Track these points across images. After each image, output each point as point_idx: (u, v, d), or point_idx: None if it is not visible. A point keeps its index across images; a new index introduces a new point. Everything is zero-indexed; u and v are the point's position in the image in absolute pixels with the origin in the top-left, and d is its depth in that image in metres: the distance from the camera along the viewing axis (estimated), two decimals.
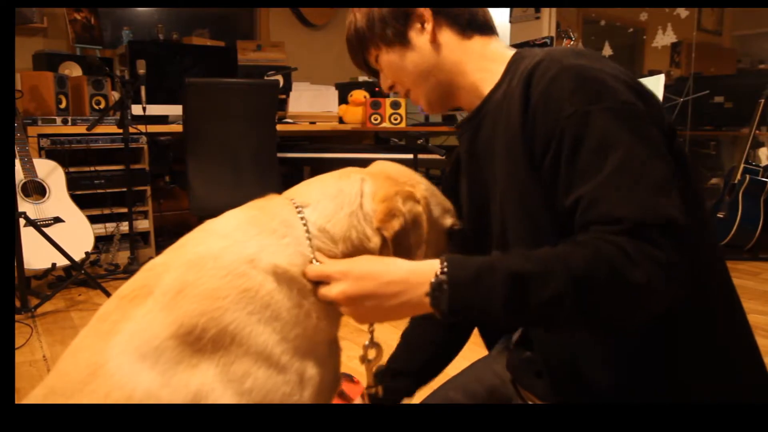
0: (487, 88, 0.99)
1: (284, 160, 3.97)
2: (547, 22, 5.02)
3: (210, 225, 0.84)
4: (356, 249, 0.84)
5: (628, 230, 0.72)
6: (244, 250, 0.77)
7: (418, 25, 0.99)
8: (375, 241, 0.84)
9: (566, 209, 0.80)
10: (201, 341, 0.71)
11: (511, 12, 4.93)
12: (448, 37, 1.00)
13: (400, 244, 0.83)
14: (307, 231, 0.82)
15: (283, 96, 4.48)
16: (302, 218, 0.83)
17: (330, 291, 0.78)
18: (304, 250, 0.81)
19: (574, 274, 0.71)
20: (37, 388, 0.76)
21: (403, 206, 0.84)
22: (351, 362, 0.88)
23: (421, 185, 0.92)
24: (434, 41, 1.00)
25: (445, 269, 0.74)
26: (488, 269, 0.74)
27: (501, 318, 0.74)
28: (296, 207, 0.84)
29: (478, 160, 1.02)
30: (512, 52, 1.00)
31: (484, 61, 1.00)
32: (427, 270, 0.76)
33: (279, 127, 3.81)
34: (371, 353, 0.92)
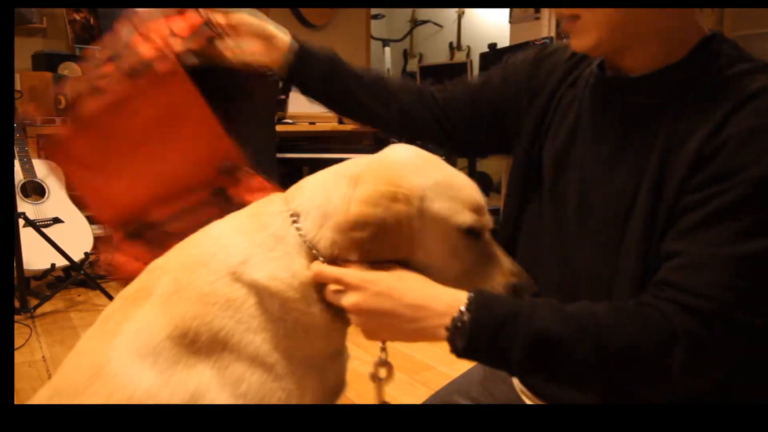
0: (656, 59, 0.82)
1: (284, 161, 3.97)
2: (546, 22, 5.02)
3: (210, 227, 0.82)
4: (346, 262, 0.77)
5: (703, 313, 0.69)
6: (229, 259, 0.75)
7: None
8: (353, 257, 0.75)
9: (660, 253, 0.75)
10: (196, 344, 0.71)
11: (510, 12, 4.93)
12: None
13: (376, 252, 0.74)
14: (304, 242, 0.76)
15: (283, 96, 4.47)
16: (298, 228, 0.77)
17: (343, 299, 0.73)
18: (293, 264, 0.75)
19: (605, 347, 0.68)
20: (42, 389, 0.78)
21: (381, 211, 0.72)
22: (363, 367, 0.86)
23: (420, 177, 0.77)
24: None
25: (471, 307, 0.70)
26: (513, 319, 0.70)
27: (511, 371, 0.72)
28: (291, 215, 0.78)
29: (602, 125, 0.88)
30: (702, 28, 0.82)
31: (676, 19, 0.81)
32: (450, 301, 0.71)
33: (278, 128, 3.81)
34: (382, 372, 0.84)
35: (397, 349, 1.17)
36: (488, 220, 0.81)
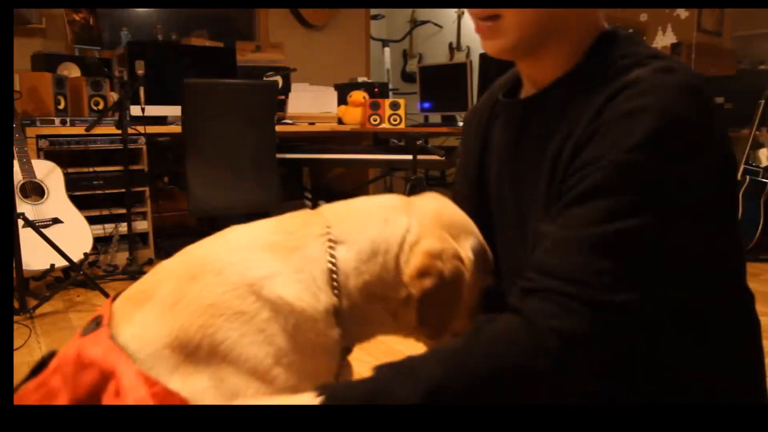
0: (561, 64, 0.85)
1: (283, 161, 3.97)
2: None
3: (229, 233, 0.81)
4: (376, 299, 0.79)
5: (566, 297, 0.69)
6: (249, 272, 0.74)
7: None
8: (401, 294, 0.78)
9: (536, 233, 0.77)
10: (195, 355, 0.70)
11: None
12: None
13: (429, 304, 0.77)
14: (333, 273, 0.76)
15: (282, 97, 4.48)
16: (332, 256, 0.76)
17: None
18: (318, 291, 0.75)
19: (477, 376, 0.69)
20: None
21: (443, 265, 0.77)
22: (362, 367, 0.86)
23: (471, 238, 0.85)
24: None
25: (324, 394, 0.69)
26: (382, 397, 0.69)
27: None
28: (330, 242, 0.77)
29: (519, 147, 0.91)
30: (600, 23, 0.85)
31: (585, 14, 0.84)
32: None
33: (278, 128, 3.81)
34: None
35: (397, 348, 1.18)
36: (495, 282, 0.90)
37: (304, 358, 0.74)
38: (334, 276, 0.77)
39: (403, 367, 0.71)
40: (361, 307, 0.78)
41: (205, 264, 0.76)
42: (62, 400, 0.70)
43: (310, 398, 0.68)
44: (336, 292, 0.77)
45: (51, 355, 0.76)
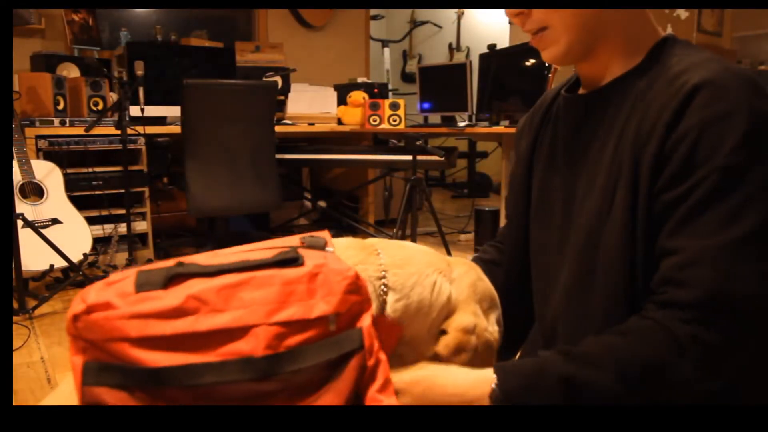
0: (620, 63, 0.89)
1: (283, 162, 3.97)
2: None
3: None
4: (403, 344, 0.84)
5: (703, 309, 0.71)
6: None
7: None
8: (430, 351, 0.85)
9: (657, 251, 0.78)
10: None
11: None
12: None
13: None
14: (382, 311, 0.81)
15: (282, 97, 4.48)
16: (384, 301, 0.82)
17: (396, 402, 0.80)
18: None
19: (624, 376, 0.72)
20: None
21: (477, 340, 0.85)
22: None
23: (497, 311, 0.92)
24: None
25: (500, 382, 0.77)
26: (537, 376, 0.76)
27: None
28: (384, 286, 0.82)
29: (578, 141, 0.94)
30: (657, 31, 0.89)
31: (636, 18, 0.88)
32: (484, 382, 0.78)
33: (277, 129, 3.81)
34: None
35: None
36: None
37: None
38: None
39: (563, 350, 0.78)
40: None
41: None
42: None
43: (491, 374, 0.78)
44: None
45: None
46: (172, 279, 0.69)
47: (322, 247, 0.79)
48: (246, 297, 0.68)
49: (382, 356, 0.73)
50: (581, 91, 0.97)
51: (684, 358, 0.70)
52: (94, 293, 0.67)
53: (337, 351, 0.69)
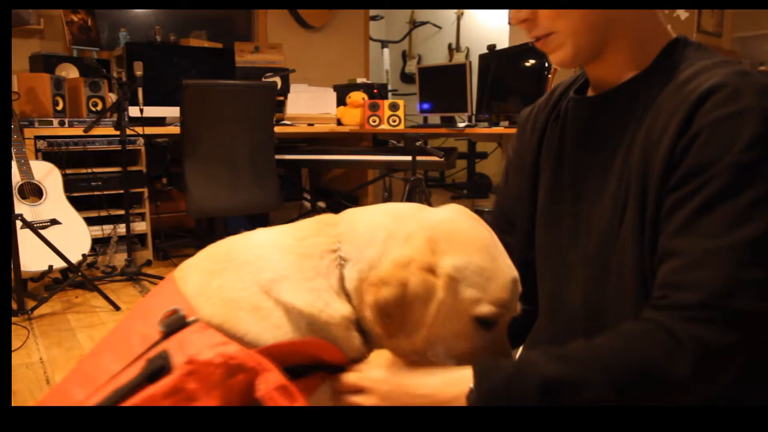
0: (630, 65, 0.88)
1: (282, 162, 3.96)
2: None
3: (255, 233, 0.83)
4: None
5: (705, 310, 0.70)
6: (260, 273, 0.77)
7: None
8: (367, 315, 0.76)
9: (660, 250, 0.77)
10: None
11: (509, 14, 4.93)
12: None
13: (391, 317, 0.73)
14: (343, 288, 0.77)
15: (281, 98, 4.47)
16: (342, 274, 0.78)
17: (361, 402, 0.78)
18: (330, 300, 0.76)
19: (614, 379, 0.70)
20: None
21: (410, 276, 0.72)
22: None
23: (462, 257, 0.76)
24: None
25: (476, 383, 0.73)
26: (517, 378, 0.72)
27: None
28: (340, 259, 0.78)
29: (586, 145, 0.93)
30: (667, 33, 0.88)
31: (644, 19, 0.87)
32: (459, 382, 0.74)
33: (277, 129, 3.81)
34: None
35: None
36: (509, 314, 0.81)
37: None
38: (345, 289, 0.78)
39: (548, 350, 0.75)
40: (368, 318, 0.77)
41: (227, 259, 0.79)
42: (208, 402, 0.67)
43: (467, 375, 0.73)
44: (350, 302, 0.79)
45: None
46: None
47: (181, 324, 0.72)
48: None
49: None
50: (590, 92, 0.96)
51: (682, 357, 0.69)
52: None
53: None
